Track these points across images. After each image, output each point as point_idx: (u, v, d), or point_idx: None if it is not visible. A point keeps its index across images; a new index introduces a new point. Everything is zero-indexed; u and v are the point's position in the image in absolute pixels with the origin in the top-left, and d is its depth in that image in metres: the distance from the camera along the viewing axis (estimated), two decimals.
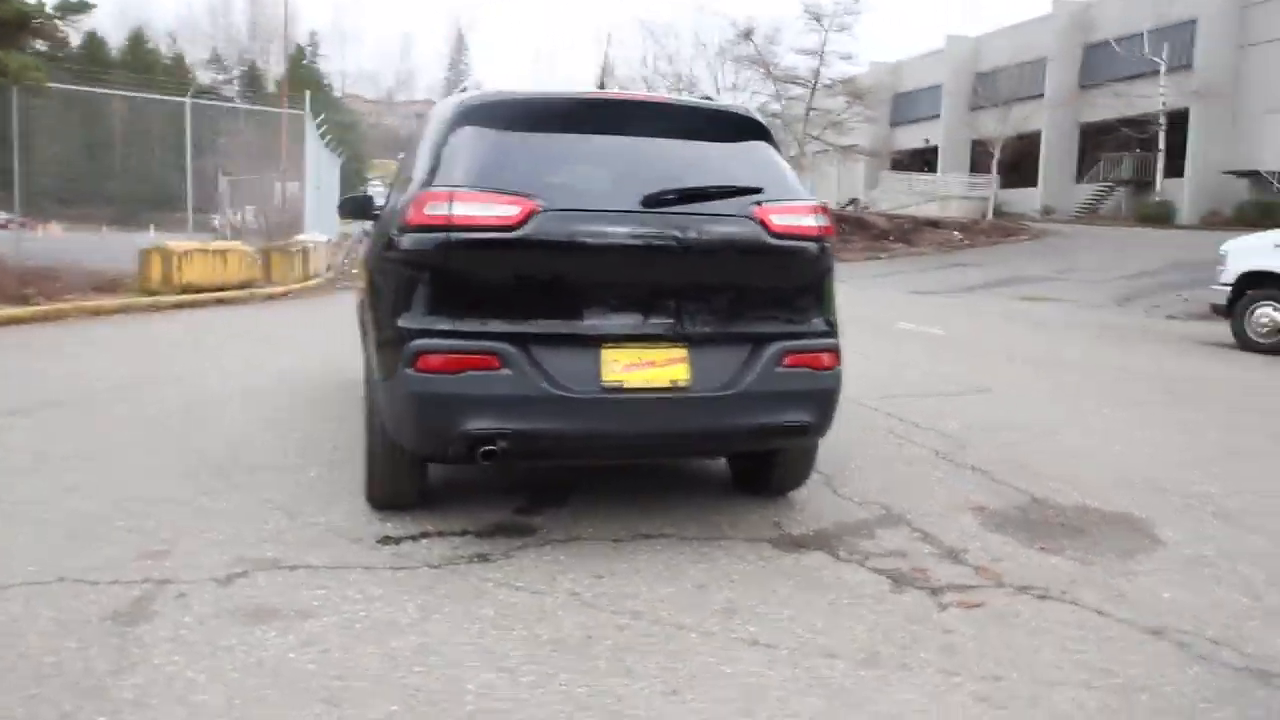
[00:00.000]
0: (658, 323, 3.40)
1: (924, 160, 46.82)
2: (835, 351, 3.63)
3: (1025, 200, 39.64)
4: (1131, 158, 36.81)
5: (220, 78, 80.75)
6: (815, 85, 28.73)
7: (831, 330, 3.67)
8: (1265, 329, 10.51)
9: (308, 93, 20.86)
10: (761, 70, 30.88)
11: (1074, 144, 39.69)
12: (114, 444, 4.89)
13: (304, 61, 77.90)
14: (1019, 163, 40.11)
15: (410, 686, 2.49)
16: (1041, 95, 39.21)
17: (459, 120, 3.52)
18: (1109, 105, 35.93)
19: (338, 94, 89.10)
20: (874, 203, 41.95)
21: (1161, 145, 34.62)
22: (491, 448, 3.24)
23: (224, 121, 20.95)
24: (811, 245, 3.59)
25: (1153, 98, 34.22)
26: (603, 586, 3.22)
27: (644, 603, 3.10)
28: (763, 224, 3.49)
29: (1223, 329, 12.79)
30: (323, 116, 22.59)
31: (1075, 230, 31.25)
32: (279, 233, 18.07)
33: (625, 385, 3.32)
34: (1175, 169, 34.06)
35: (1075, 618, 3.13)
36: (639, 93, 4.06)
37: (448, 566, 3.35)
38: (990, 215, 37.19)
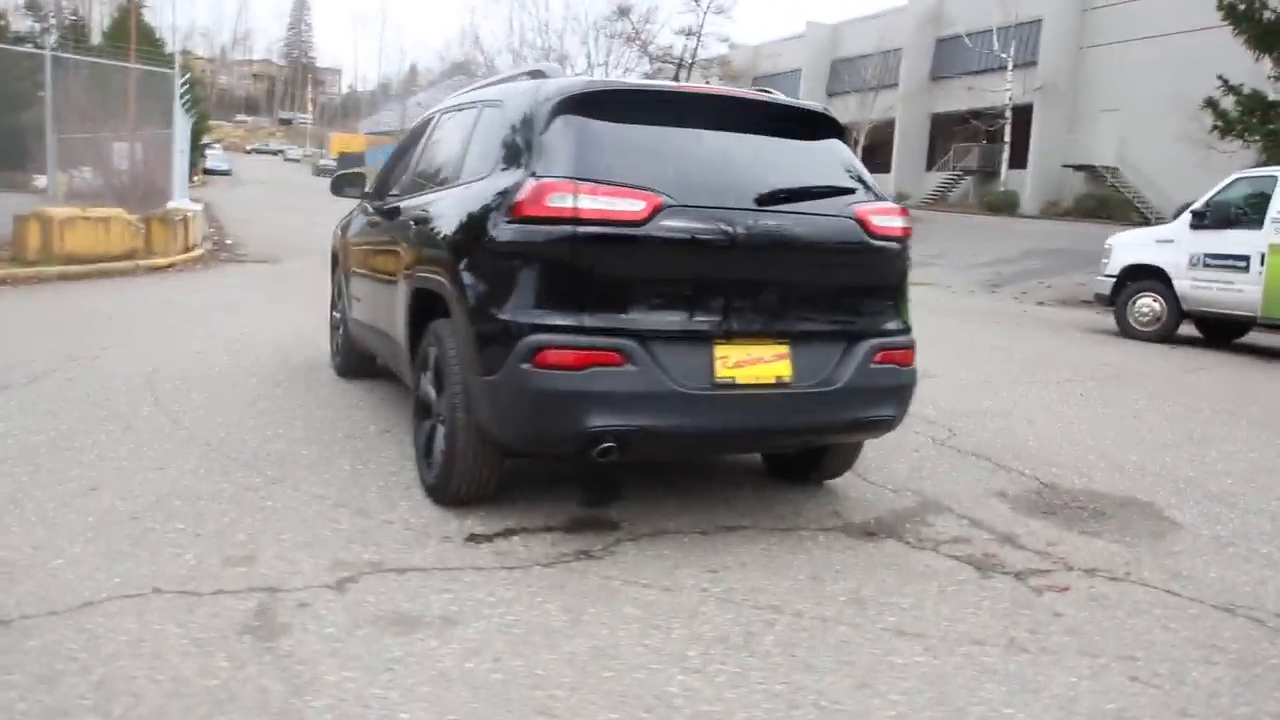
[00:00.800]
0: (763, 319, 3.43)
1: None
2: (913, 349, 3.76)
3: (880, 186, 41.24)
4: (979, 148, 38.90)
5: (38, 26, 74.13)
6: (692, 65, 28.97)
7: (909, 328, 3.79)
8: (1145, 318, 11.40)
9: (180, 50, 19.41)
10: (637, 47, 30.95)
11: (925, 133, 41.56)
12: (100, 433, 4.52)
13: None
14: (873, 149, 41.72)
15: (615, 693, 2.45)
16: (896, 85, 40.84)
17: (561, 108, 3.42)
18: (959, 97, 37.91)
19: (170, 50, 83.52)
20: None
21: (1007, 138, 36.75)
22: (610, 445, 3.20)
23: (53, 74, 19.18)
24: (899, 246, 3.69)
25: (1000, 92, 36.24)
26: (724, 581, 3.24)
27: (774, 596, 3.14)
28: (863, 224, 3.57)
29: (1097, 317, 13.82)
30: (188, 76, 21.11)
31: (933, 217, 32.79)
32: (134, 199, 16.82)
33: (736, 381, 3.34)
34: (1019, 160, 36.25)
35: (1153, 598, 3.36)
36: (731, 88, 4.02)
37: (560, 565, 3.29)
38: None
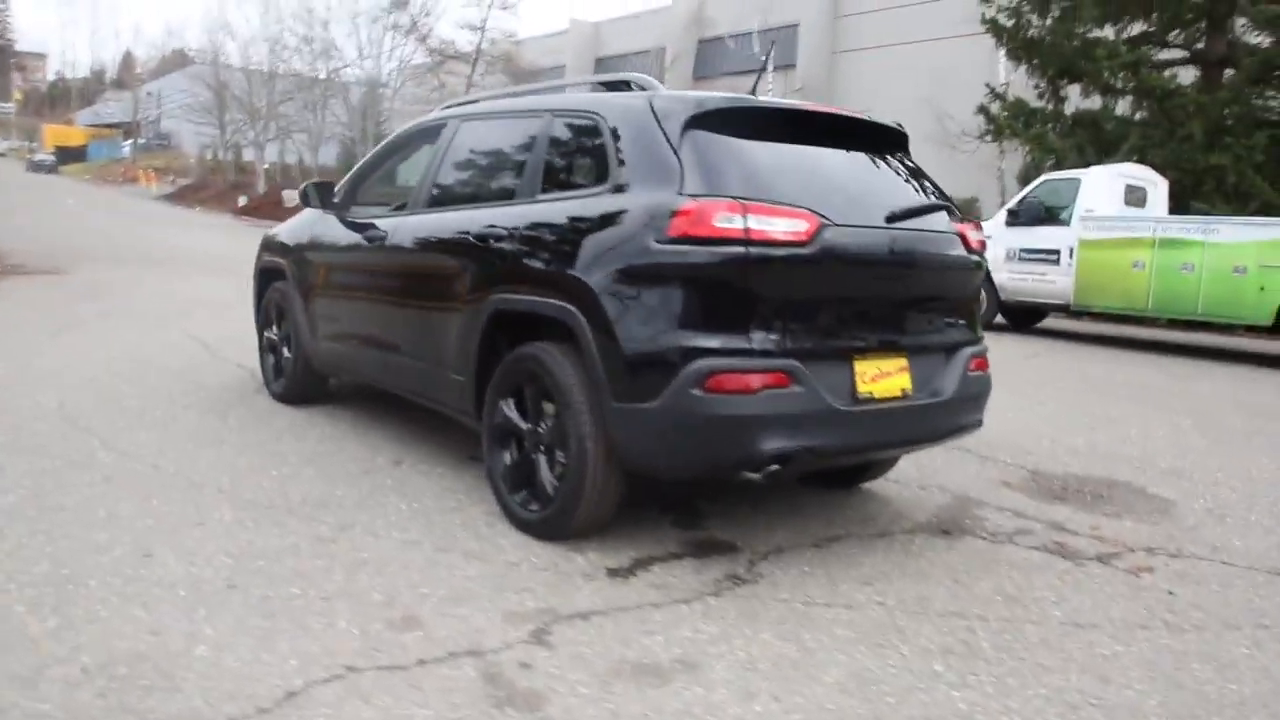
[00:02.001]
0: (889, 334, 3.51)
1: None
2: (987, 354, 3.98)
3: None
4: None
5: None
6: (476, 60, 28.43)
7: (983, 336, 4.00)
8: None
9: None
10: (417, 40, 29.97)
11: None
12: (78, 486, 3.89)
13: None
14: None
15: (932, 718, 2.46)
16: (662, 83, 42.08)
17: (693, 123, 3.33)
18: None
19: None
20: None
21: None
22: (776, 467, 3.17)
23: None
24: (980, 259, 3.89)
25: (764, 93, 38.27)
26: (885, 592, 3.30)
27: (940, 602, 3.25)
28: (963, 239, 3.73)
29: None
30: None
31: None
32: None
33: (874, 396, 3.40)
34: None
35: (1219, 570, 3.77)
36: (834, 106, 4.05)
37: (726, 592, 3.22)
38: None
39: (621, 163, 3.43)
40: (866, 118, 3.84)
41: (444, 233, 4.11)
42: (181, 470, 4.23)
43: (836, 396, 3.27)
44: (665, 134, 3.35)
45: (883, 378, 3.44)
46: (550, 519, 3.51)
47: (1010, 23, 17.81)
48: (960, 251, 3.73)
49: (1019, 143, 17.93)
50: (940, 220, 3.70)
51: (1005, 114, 18.30)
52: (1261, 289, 9.79)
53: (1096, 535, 4.10)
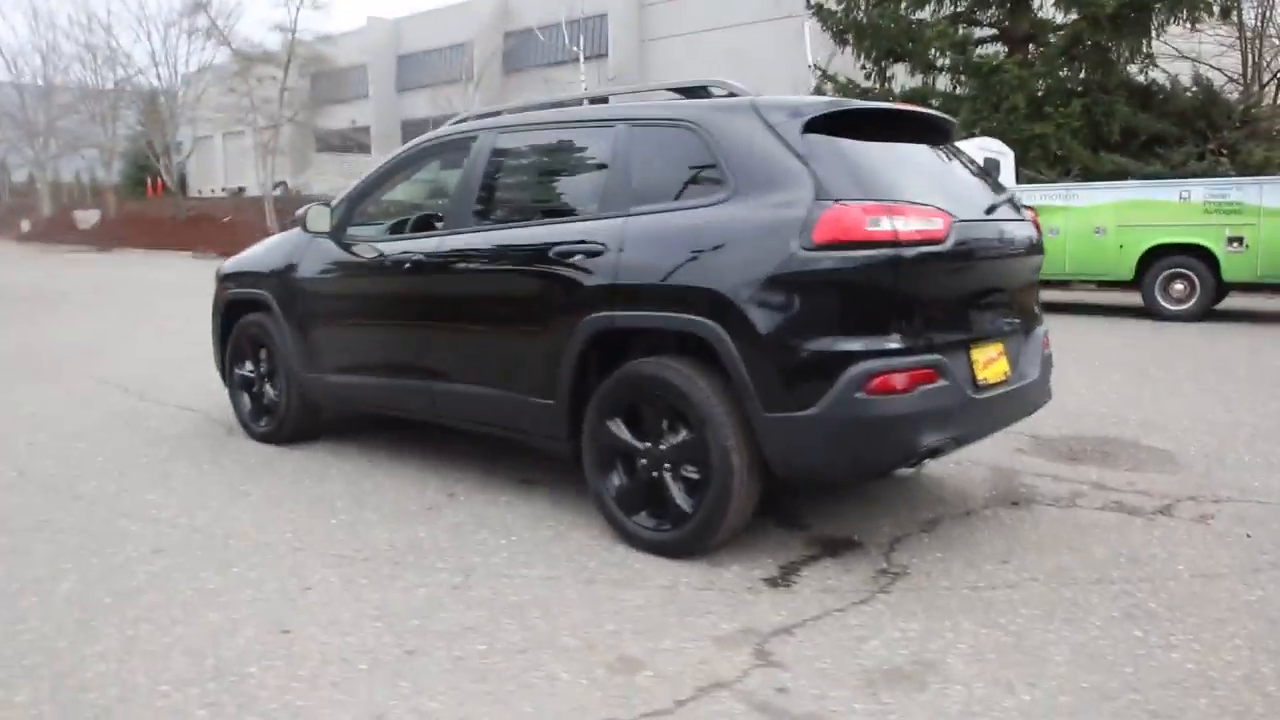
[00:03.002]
0: (990, 322, 3.65)
1: (355, 142, 46.53)
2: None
3: None
4: None
5: None
6: (289, 63, 26.91)
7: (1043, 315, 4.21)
8: None
9: None
10: (218, 44, 28.07)
11: None
12: (132, 557, 3.48)
13: None
14: None
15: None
16: (471, 79, 41.40)
17: (810, 127, 3.32)
18: (537, 89, 39.38)
19: None
20: (307, 187, 40.71)
21: None
22: (919, 461, 3.26)
23: None
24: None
25: (576, 83, 38.31)
26: (1020, 567, 3.44)
27: (1081, 571, 3.41)
28: (1035, 226, 3.92)
29: None
30: None
31: None
32: None
33: (989, 382, 3.53)
34: None
35: (1263, 511, 4.13)
36: (910, 106, 4.11)
37: (895, 590, 3.26)
38: None
39: (733, 171, 3.38)
40: (938, 114, 3.96)
41: (511, 251, 3.91)
42: (230, 530, 3.86)
43: (968, 386, 3.38)
44: (782, 139, 3.33)
45: (991, 364, 3.57)
46: (688, 536, 3.44)
47: (840, 6, 18.61)
48: (1035, 235, 3.92)
49: None
50: (1014, 208, 3.87)
51: (839, 95, 19.08)
52: (1120, 247, 10.73)
53: (1138, 490, 4.40)
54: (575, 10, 38.05)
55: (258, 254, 5.30)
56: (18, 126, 33.79)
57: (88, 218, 31.84)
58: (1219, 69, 21.43)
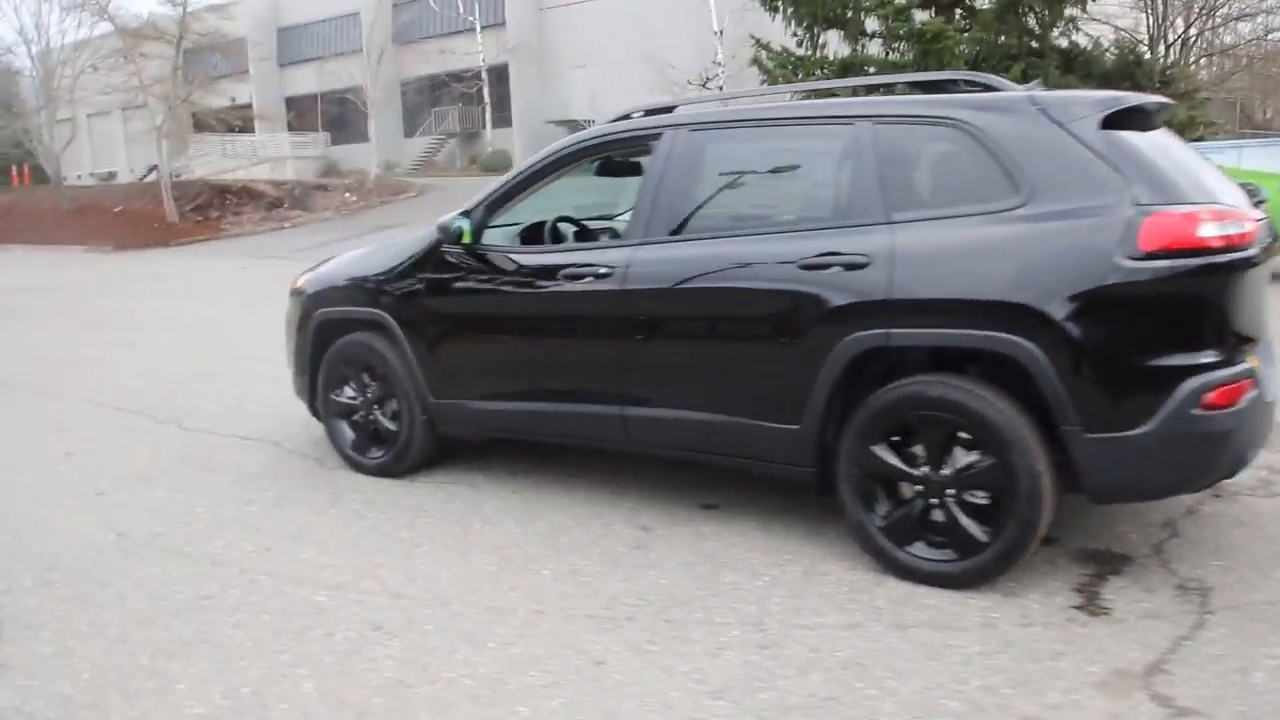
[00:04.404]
0: (1255, 326, 3.45)
1: (236, 121, 44.12)
2: None
3: (359, 156, 40.07)
4: (458, 110, 39.62)
5: None
6: (181, 39, 25.03)
7: None
8: None
9: None
10: (95, 17, 25.87)
11: (398, 99, 41.10)
12: (308, 610, 3.05)
13: None
14: (344, 120, 40.45)
15: None
16: (359, 50, 39.64)
17: (1106, 125, 3.08)
18: (432, 60, 38.07)
19: None
20: (188, 169, 38.40)
21: (487, 98, 37.93)
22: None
23: None
24: None
25: (473, 53, 37.18)
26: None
27: None
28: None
29: None
30: None
31: (448, 183, 32.82)
32: None
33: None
34: (505, 120, 37.72)
35: None
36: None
37: (1221, 611, 3.10)
38: (361, 173, 36.97)
39: (1024, 175, 3.11)
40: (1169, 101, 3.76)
41: (735, 266, 3.54)
42: (438, 593, 3.43)
43: (1267, 394, 3.23)
44: (1078, 139, 3.08)
45: (1260, 370, 3.43)
46: (982, 567, 3.20)
47: None
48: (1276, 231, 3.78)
49: None
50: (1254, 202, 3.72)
51: (773, 63, 18.96)
52: None
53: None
54: None
55: (357, 266, 4.76)
56: None
57: None
58: (1124, 30, 22.27)
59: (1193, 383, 2.91)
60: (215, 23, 26.45)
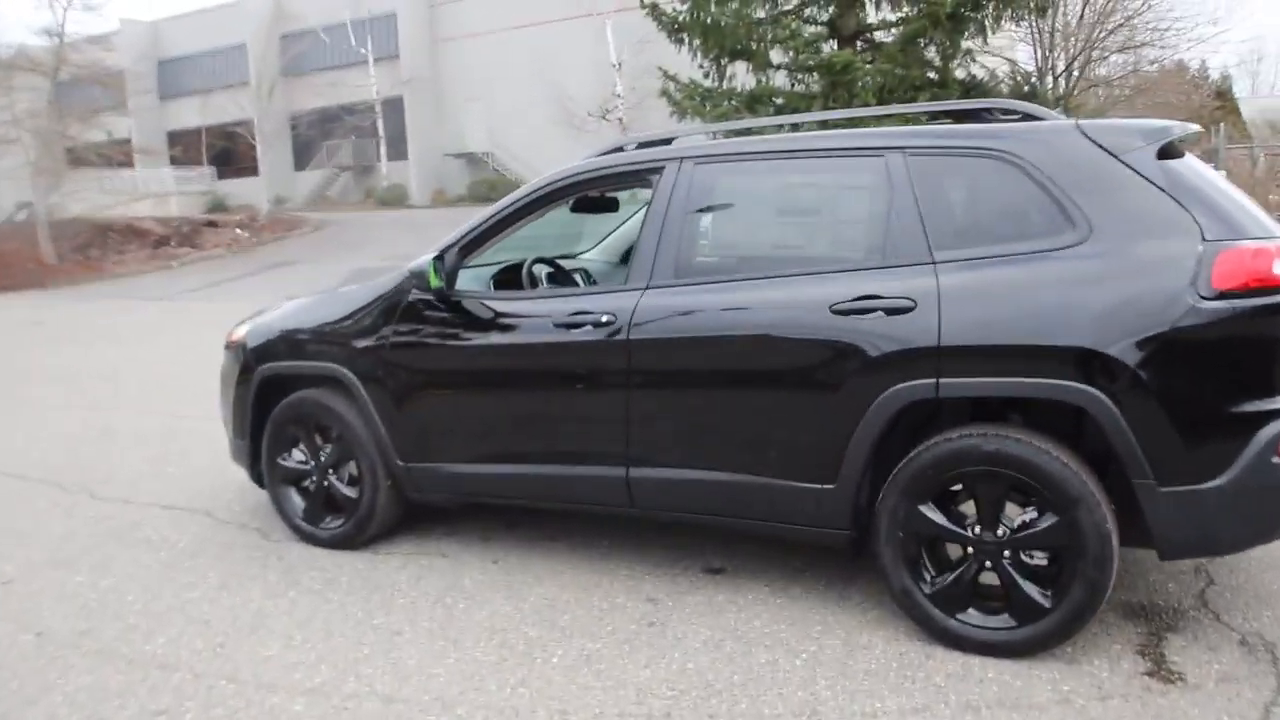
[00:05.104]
0: None
1: (117, 156, 42.02)
2: None
3: (248, 191, 38.67)
4: (352, 144, 38.64)
5: None
6: (58, 70, 23.52)
7: None
8: None
9: None
10: None
11: (288, 132, 39.86)
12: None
13: None
14: (231, 155, 39.08)
15: None
16: (246, 83, 38.36)
17: (1162, 155, 2.89)
18: (324, 93, 37.05)
19: None
20: (62, 208, 36.30)
21: (381, 131, 37.09)
22: None
23: None
24: None
25: (366, 86, 36.34)
26: None
27: None
28: None
29: None
30: None
31: (344, 217, 31.86)
32: None
33: None
34: (400, 153, 36.91)
35: None
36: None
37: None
38: (247, 210, 35.52)
39: (1081, 209, 2.89)
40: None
41: (757, 313, 3.22)
42: (439, 695, 2.99)
43: None
44: (1135, 170, 2.88)
45: None
46: (1044, 634, 2.95)
47: (685, 6, 18.41)
48: None
49: (704, 121, 18.66)
50: None
51: (682, 95, 18.93)
52: None
53: None
54: (361, 9, 36.04)
55: (307, 315, 4.27)
56: None
57: None
58: (1011, 60, 23.13)
59: (1272, 429, 2.73)
60: (94, 54, 25.03)
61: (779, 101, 18.39)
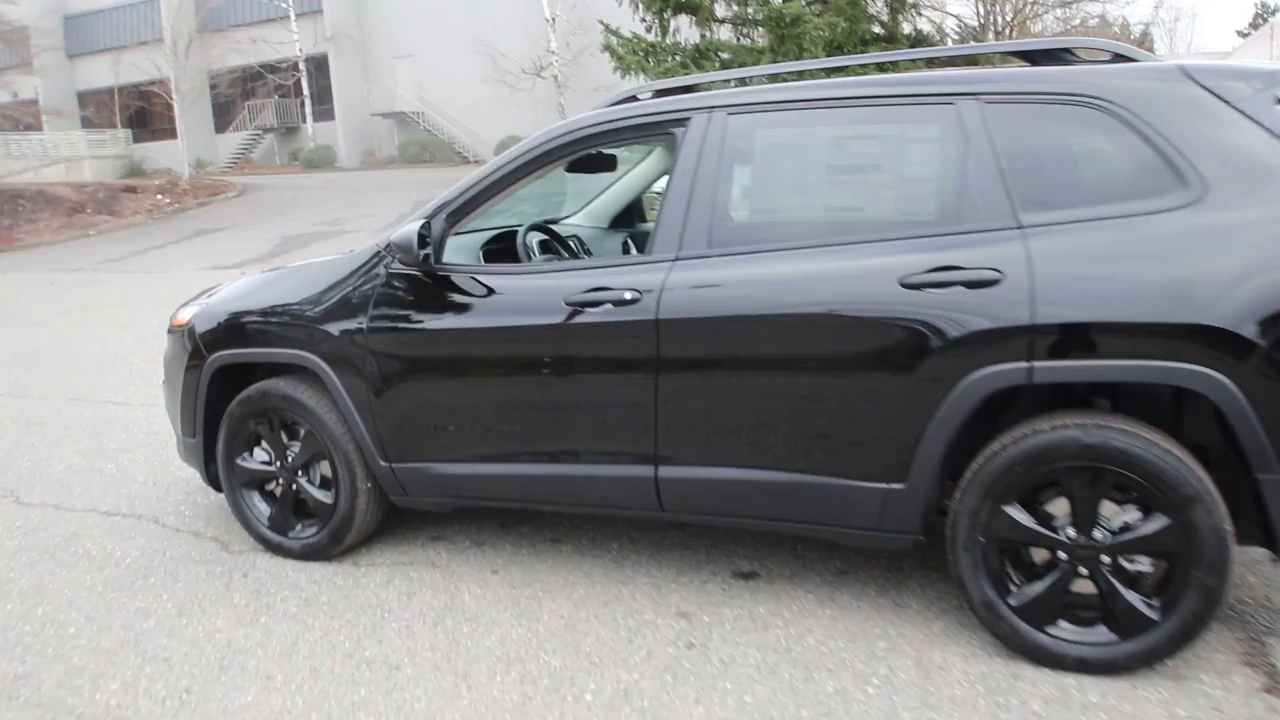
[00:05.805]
0: None
1: (24, 118, 39.72)
2: None
3: (167, 154, 36.89)
4: (275, 104, 37.07)
5: None
6: None
7: None
8: None
9: None
10: None
11: (207, 92, 38.00)
12: None
13: None
14: (147, 114, 37.24)
15: None
16: (161, 40, 36.38)
17: None
18: (244, 50, 35.35)
19: None
20: None
21: (306, 90, 35.61)
22: None
23: None
24: None
25: (289, 42, 34.79)
26: None
27: None
28: None
29: None
30: None
31: (270, 180, 30.57)
32: None
33: None
34: (327, 113, 35.50)
35: None
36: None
37: None
38: (159, 173, 33.87)
39: (1195, 164, 2.50)
40: None
41: (817, 287, 2.77)
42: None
43: None
44: (1255, 119, 2.50)
45: None
46: (1155, 646, 2.60)
47: None
48: None
49: (649, 77, 18.09)
50: None
51: (624, 49, 18.32)
52: None
53: None
54: None
55: (264, 294, 3.72)
56: None
57: None
58: (957, 15, 22.96)
59: None
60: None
61: (725, 56, 17.94)
